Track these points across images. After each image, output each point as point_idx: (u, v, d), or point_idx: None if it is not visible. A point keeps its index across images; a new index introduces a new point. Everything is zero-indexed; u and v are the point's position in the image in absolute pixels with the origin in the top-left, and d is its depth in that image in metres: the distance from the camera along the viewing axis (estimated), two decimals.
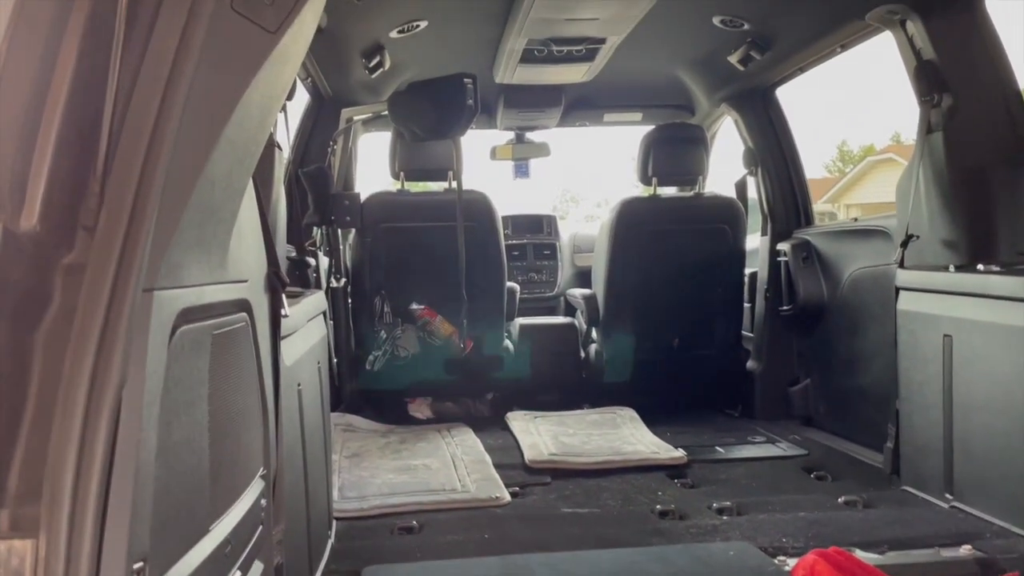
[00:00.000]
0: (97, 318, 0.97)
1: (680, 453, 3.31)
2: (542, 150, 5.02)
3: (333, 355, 3.81)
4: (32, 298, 0.98)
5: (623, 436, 3.63)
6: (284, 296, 1.76)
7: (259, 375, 1.58)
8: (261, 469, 1.58)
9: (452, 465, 3.23)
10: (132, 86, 1.05)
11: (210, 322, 1.25)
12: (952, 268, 2.66)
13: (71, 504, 0.94)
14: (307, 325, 2.25)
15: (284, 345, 1.83)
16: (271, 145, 2.38)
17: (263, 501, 1.55)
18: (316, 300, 2.53)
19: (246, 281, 1.47)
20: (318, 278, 3.50)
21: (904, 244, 2.85)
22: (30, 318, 0.98)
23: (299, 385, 1.99)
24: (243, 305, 1.45)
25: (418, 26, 3.34)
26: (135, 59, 1.06)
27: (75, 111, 1.01)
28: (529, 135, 4.98)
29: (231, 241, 1.36)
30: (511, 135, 4.98)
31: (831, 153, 36.81)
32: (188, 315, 1.15)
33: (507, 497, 2.86)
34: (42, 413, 0.97)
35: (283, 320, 1.77)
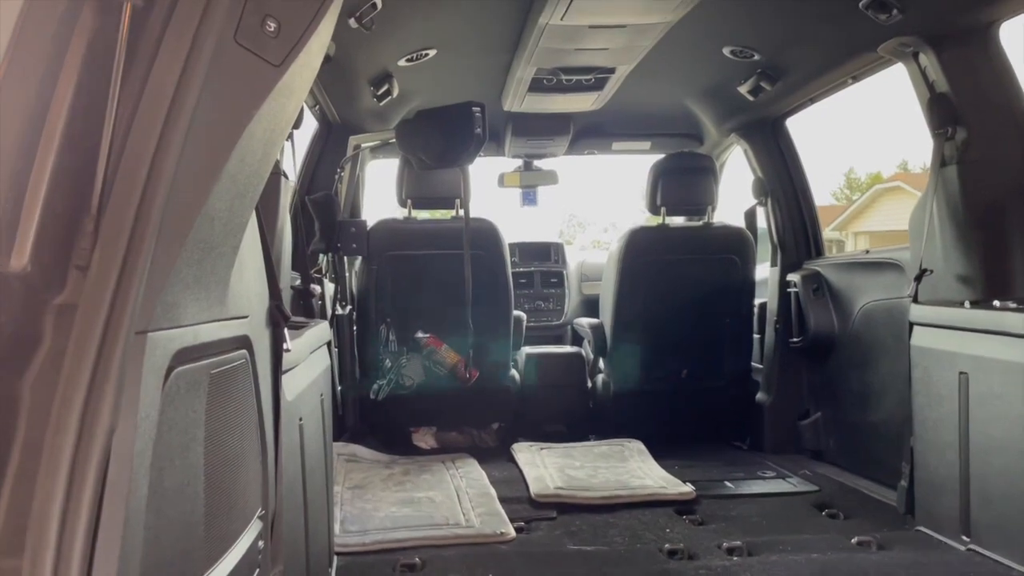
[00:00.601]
0: (87, 361, 0.94)
1: (689, 488, 3.24)
2: (550, 178, 5.00)
3: (337, 383, 3.77)
4: (21, 340, 0.94)
5: (631, 469, 3.56)
6: (286, 330, 1.72)
7: (259, 413, 1.53)
8: (259, 510, 1.53)
9: (456, 498, 3.17)
10: (130, 120, 1.02)
11: (208, 361, 1.21)
12: (967, 304, 2.61)
13: (55, 557, 0.90)
14: (310, 357, 2.21)
15: (286, 379, 1.78)
16: (277, 173, 2.36)
17: (260, 543, 1.50)
18: (320, 331, 2.49)
19: (246, 317, 1.43)
20: (323, 306, 3.47)
21: (918, 278, 2.80)
22: (18, 361, 0.94)
23: (300, 420, 1.94)
24: (243, 342, 1.41)
25: (427, 55, 3.33)
26: (134, 92, 1.03)
27: (71, 146, 0.98)
28: (537, 163, 4.96)
29: (232, 276, 1.33)
30: (519, 162, 4.96)
31: (838, 180, 36.81)
32: (184, 356, 1.11)
33: (512, 533, 2.79)
34: (28, 460, 0.92)
35: (285, 355, 1.73)
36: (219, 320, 1.27)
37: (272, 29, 1.16)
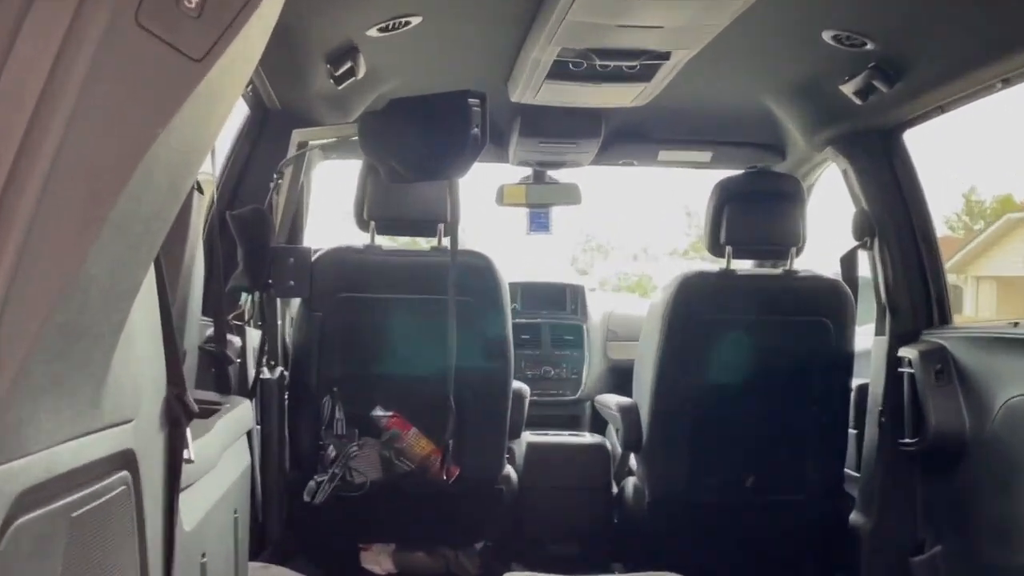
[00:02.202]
0: None
1: None
2: (569, 195, 4.93)
3: (258, 476, 3.66)
4: None
5: None
6: (189, 431, 1.63)
7: (142, 557, 1.43)
8: None
9: None
10: None
11: (68, 500, 1.11)
12: None
13: None
14: (222, 458, 2.11)
15: (185, 499, 1.69)
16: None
17: None
18: (238, 415, 2.40)
19: (130, 421, 1.33)
20: (243, 366, 3.37)
21: None
22: None
23: (204, 556, 1.85)
24: (124, 459, 1.31)
25: (408, 23, 3.29)
26: None
27: None
28: (552, 173, 4.90)
29: (112, 362, 1.23)
30: (527, 172, 4.91)
31: (954, 204, 37.02)
32: (31, 498, 1.00)
33: None
34: None
35: (186, 465, 1.64)
36: (88, 434, 1.16)
37: (192, 6, 1.07)
